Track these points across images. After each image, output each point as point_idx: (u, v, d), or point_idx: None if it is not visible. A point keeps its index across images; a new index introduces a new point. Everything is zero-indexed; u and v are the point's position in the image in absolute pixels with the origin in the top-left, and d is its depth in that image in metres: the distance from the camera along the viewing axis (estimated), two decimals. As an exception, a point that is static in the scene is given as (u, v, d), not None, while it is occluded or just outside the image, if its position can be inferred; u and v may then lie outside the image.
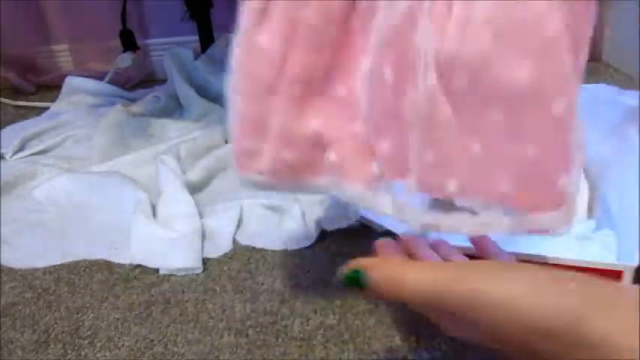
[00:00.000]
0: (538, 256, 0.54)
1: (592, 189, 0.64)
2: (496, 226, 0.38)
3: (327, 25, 0.38)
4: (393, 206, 0.42)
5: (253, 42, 0.39)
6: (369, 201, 0.43)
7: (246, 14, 0.39)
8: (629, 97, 0.60)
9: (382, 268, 0.36)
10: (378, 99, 0.39)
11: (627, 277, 0.52)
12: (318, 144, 0.42)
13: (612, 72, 1.15)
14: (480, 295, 0.30)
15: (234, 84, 0.42)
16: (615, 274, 0.52)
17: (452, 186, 0.38)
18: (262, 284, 0.62)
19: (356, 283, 0.36)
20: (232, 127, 0.43)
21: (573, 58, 0.33)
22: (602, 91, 0.62)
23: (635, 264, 0.52)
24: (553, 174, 0.36)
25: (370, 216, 0.66)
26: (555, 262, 0.54)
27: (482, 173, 0.37)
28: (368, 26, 0.38)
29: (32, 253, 0.71)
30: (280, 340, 0.55)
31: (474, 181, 0.38)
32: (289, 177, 0.43)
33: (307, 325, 0.56)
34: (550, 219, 0.37)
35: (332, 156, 0.42)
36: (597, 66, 1.17)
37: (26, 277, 0.67)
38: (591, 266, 0.53)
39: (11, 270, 0.68)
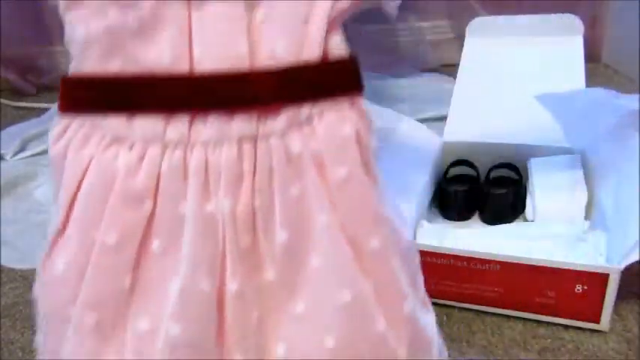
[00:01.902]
0: (525, 258, 0.54)
1: (590, 191, 0.65)
2: None
3: (127, 245, 0.32)
4: None
5: (50, 268, 0.34)
6: None
7: (48, 238, 0.35)
8: (628, 100, 0.60)
9: None
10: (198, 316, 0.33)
11: (614, 279, 0.52)
12: None
13: (612, 73, 1.15)
14: None
15: (39, 322, 0.36)
16: (602, 277, 0.52)
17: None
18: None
19: None
20: None
21: None
22: (600, 94, 0.62)
23: (622, 267, 0.52)
24: None
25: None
26: (542, 264, 0.54)
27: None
28: (177, 243, 0.33)
29: (32, 253, 0.71)
30: (280, 340, 0.54)
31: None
32: None
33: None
34: None
35: None
36: (597, 67, 1.16)
37: (26, 277, 0.67)
38: (578, 269, 0.53)
39: (11, 270, 0.68)
